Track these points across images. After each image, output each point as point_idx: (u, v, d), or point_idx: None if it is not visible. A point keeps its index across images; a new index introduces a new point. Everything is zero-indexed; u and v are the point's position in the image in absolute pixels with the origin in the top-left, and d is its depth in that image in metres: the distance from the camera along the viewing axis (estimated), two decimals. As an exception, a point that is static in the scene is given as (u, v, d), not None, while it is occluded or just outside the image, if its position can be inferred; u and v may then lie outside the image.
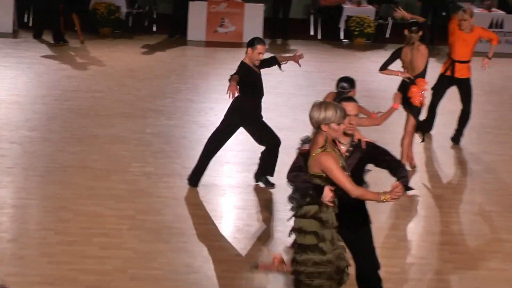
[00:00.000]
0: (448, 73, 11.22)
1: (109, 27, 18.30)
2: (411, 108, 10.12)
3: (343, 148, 6.33)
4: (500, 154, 11.05)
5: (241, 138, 11.33)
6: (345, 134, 6.30)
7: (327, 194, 5.85)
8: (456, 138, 11.37)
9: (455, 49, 11.13)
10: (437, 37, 18.03)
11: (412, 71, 10.25)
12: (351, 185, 5.82)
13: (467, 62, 11.19)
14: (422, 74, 10.19)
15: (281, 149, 10.85)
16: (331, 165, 5.81)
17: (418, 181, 10.02)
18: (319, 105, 5.91)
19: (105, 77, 14.53)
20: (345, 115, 5.94)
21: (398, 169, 6.35)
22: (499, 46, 18.21)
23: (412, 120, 10.18)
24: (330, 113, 5.83)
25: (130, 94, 13.39)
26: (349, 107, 6.50)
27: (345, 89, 8.28)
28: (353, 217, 6.31)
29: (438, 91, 11.41)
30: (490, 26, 18.57)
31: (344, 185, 5.80)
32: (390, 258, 7.62)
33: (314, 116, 5.87)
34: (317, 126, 5.91)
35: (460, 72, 11.17)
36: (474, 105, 12.04)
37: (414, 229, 8.89)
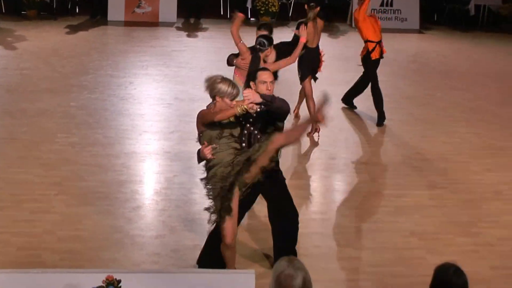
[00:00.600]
0: (378, 55, 11.12)
1: (35, 9, 17.88)
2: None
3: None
4: (391, 119, 11.28)
5: (158, 109, 11.34)
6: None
7: (204, 151, 6.14)
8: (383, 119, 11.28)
9: (375, 32, 11.07)
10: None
11: (313, 44, 10.46)
12: (216, 115, 6.12)
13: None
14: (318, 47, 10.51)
15: (194, 117, 10.86)
16: (206, 112, 6.30)
17: (321, 144, 10.22)
18: (221, 79, 6.15)
19: (32, 55, 14.21)
20: (237, 94, 6.16)
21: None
22: (390, 23, 18.75)
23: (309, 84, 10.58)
24: (225, 88, 6.10)
25: (55, 71, 13.15)
26: (265, 75, 6.69)
27: (262, 45, 8.25)
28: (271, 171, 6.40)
29: (374, 74, 11.24)
30: (382, 5, 18.91)
31: (212, 117, 6.15)
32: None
33: (211, 86, 6.17)
34: (212, 96, 6.20)
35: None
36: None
37: (316, 188, 9.04)
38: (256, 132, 6.61)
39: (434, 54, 16.50)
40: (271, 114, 6.49)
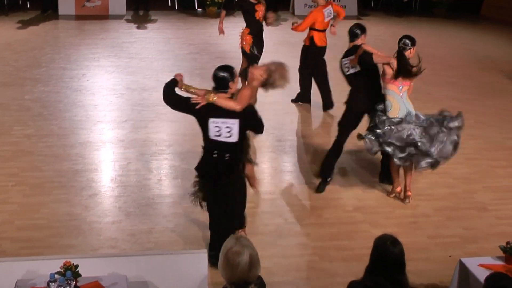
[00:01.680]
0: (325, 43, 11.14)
1: (-15, 5, 17.52)
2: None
3: None
4: (338, 101, 11.32)
5: (110, 99, 11.23)
6: None
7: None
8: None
9: (323, 21, 10.99)
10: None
11: None
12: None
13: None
14: None
15: (145, 106, 10.86)
16: None
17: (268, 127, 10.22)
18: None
19: (-15, 50, 13.95)
20: None
21: None
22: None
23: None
24: None
25: (8, 65, 12.91)
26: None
27: (406, 45, 7.95)
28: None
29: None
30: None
31: None
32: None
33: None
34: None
35: None
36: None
37: (265, 169, 9.06)
38: None
39: (372, 39, 16.47)
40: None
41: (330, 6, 11.10)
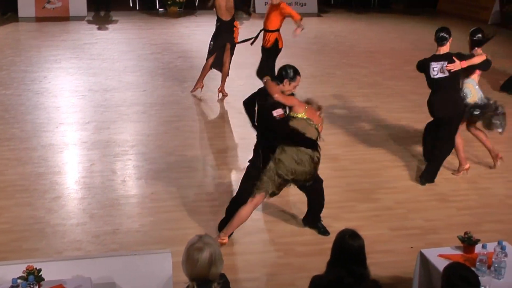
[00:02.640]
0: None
1: None
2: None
3: None
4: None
5: (73, 101, 11.11)
6: None
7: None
8: None
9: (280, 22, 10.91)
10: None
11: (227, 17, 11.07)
12: None
13: None
14: None
15: (108, 107, 10.77)
16: None
17: (232, 125, 10.22)
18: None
19: None
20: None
21: None
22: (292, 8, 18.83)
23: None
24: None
25: (-32, 69, 12.73)
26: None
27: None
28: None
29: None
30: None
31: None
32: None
33: None
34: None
35: None
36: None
37: (230, 167, 9.03)
38: None
39: (332, 36, 16.72)
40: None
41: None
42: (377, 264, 6.32)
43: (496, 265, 5.16)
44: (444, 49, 8.30)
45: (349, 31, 17.23)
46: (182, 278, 4.80)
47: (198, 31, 16.25)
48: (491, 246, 5.29)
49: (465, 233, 5.56)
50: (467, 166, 8.75)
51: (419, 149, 9.47)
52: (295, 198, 7.90)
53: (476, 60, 8.30)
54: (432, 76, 8.26)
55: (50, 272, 4.90)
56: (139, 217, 7.46)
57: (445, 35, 8.37)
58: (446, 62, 8.16)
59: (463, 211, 7.79)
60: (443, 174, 8.74)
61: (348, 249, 4.40)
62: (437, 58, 8.30)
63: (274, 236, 7.13)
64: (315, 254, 6.70)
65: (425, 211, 7.77)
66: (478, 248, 5.40)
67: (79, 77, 12.41)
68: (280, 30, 10.86)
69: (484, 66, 8.38)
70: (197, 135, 9.85)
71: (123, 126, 10.06)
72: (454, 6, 20.04)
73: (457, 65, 8.11)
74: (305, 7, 19.18)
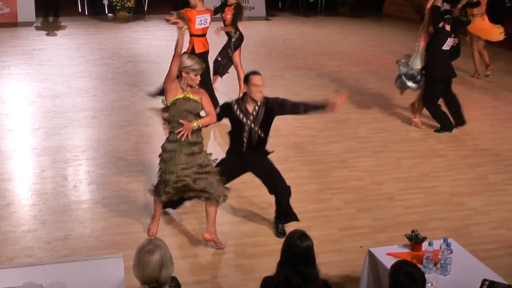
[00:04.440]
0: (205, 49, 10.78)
1: None
2: None
3: (251, 106, 6.81)
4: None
5: (22, 107, 10.93)
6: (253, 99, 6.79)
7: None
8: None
9: (194, 27, 10.43)
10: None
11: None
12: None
13: None
14: None
15: (57, 113, 10.63)
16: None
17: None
18: (188, 56, 6.48)
19: None
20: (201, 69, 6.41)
21: (301, 105, 6.86)
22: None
23: None
24: (189, 63, 6.34)
25: None
26: (257, 79, 6.77)
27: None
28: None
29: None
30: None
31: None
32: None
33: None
34: (179, 72, 6.36)
35: None
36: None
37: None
38: (256, 128, 6.85)
39: (280, 39, 16.79)
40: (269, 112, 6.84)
41: (207, 15, 10.55)
42: (327, 263, 6.39)
43: (442, 262, 5.26)
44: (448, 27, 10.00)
45: (297, 34, 17.33)
46: (134, 283, 4.78)
47: (147, 36, 16.16)
48: (438, 244, 5.38)
49: (412, 231, 5.64)
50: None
51: (367, 150, 9.60)
52: (247, 200, 7.92)
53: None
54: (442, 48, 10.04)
55: (1, 279, 4.82)
56: (90, 222, 7.38)
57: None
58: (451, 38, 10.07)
59: (410, 210, 7.91)
60: (389, 174, 8.87)
61: (296, 249, 4.43)
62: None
63: (226, 238, 7.12)
64: (266, 255, 6.72)
65: (373, 210, 7.86)
66: (425, 245, 5.49)
67: (28, 83, 12.22)
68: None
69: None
70: (148, 139, 9.79)
71: (74, 131, 9.94)
72: (398, 9, 20.34)
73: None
74: (253, 11, 19.23)
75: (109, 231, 7.17)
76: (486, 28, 13.06)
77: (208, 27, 10.62)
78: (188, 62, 6.38)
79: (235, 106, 6.87)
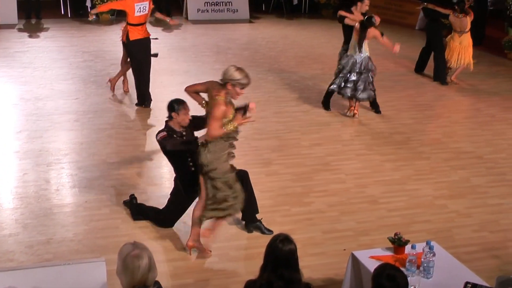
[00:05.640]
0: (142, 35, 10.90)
1: None
2: None
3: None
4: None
5: (4, 110, 10.86)
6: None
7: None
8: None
9: (133, 15, 10.65)
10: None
11: None
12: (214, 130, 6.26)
13: None
14: None
15: (40, 116, 10.56)
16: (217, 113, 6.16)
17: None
18: (237, 68, 6.17)
19: None
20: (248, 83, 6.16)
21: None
22: (222, 14, 18.93)
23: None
24: (238, 76, 6.09)
25: None
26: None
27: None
28: None
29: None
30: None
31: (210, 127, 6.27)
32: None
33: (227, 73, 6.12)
34: (224, 82, 6.13)
35: None
36: (206, 64, 12.28)
37: (162, 174, 8.97)
38: None
39: (264, 41, 16.79)
40: None
41: (146, 3, 10.70)
42: (310, 267, 6.39)
43: (425, 264, 5.28)
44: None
45: (280, 37, 17.33)
46: (116, 287, 4.76)
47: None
48: (420, 247, 5.40)
49: (395, 234, 5.66)
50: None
51: (350, 152, 9.62)
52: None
53: None
54: None
55: (-19, 285, 4.78)
56: (73, 226, 7.33)
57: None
58: None
59: (393, 213, 7.93)
60: (372, 177, 8.89)
61: (278, 253, 4.43)
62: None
63: (208, 241, 7.10)
64: (250, 258, 6.72)
65: (356, 213, 7.87)
66: (408, 248, 5.51)
67: (10, 85, 12.12)
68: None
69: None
70: (130, 142, 9.75)
71: (56, 134, 9.87)
72: (381, 12, 20.40)
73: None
74: (236, 13, 19.21)
75: (91, 235, 7.13)
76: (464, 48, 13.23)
77: (147, 14, 10.79)
78: (237, 75, 6.11)
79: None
